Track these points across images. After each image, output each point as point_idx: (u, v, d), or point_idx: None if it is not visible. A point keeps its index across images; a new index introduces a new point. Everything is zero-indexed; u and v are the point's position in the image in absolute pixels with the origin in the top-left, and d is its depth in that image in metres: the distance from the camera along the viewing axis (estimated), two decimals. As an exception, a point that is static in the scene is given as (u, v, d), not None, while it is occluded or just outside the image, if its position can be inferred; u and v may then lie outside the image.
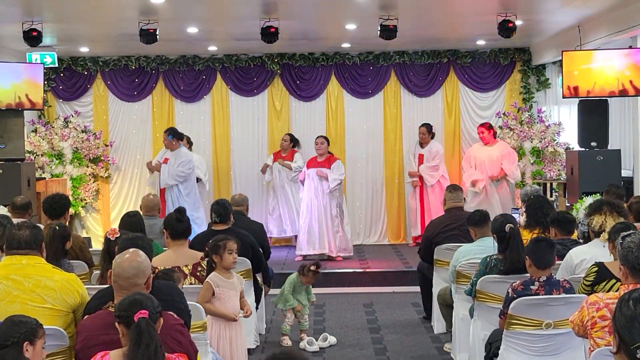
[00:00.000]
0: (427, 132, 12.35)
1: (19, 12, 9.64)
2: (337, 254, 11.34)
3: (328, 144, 11.53)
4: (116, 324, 3.58)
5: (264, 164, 12.44)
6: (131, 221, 6.73)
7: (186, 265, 5.68)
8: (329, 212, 11.30)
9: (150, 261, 4.42)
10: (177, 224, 5.89)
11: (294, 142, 12.46)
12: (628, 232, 4.21)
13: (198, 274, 5.69)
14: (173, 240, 5.89)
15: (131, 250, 4.19)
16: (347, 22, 10.66)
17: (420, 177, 12.35)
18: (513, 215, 8.04)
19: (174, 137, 11.07)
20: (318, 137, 11.66)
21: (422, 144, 12.39)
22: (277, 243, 12.73)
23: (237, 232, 7.10)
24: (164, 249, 6.38)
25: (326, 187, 11.22)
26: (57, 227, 5.83)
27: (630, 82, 9.76)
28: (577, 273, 5.58)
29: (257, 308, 7.43)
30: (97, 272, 6.24)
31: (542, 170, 12.35)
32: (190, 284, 5.61)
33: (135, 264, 4.06)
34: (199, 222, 10.73)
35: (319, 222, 11.20)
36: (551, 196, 11.81)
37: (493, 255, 6.01)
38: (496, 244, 6.09)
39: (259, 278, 7.53)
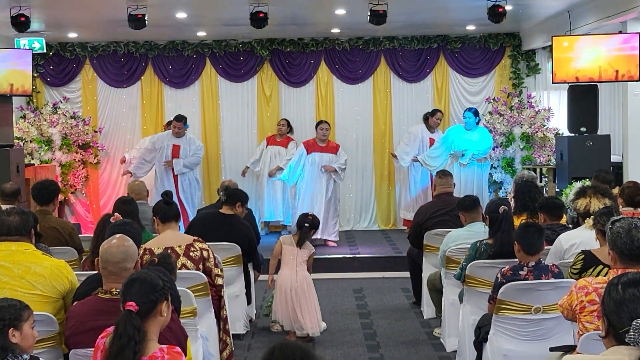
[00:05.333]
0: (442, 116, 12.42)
1: (6, -3, 9.58)
2: (334, 239, 11.39)
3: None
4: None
5: (245, 168, 12.54)
6: (126, 208, 6.68)
7: (179, 246, 5.72)
8: (331, 197, 11.33)
9: (139, 247, 4.42)
10: (167, 208, 5.95)
11: (290, 128, 12.51)
12: (618, 217, 4.21)
13: (191, 254, 5.73)
14: (164, 223, 5.94)
15: (117, 236, 4.19)
16: (337, 7, 10.63)
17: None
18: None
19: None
20: (324, 122, 11.57)
21: (431, 129, 12.35)
22: (272, 229, 12.73)
23: (239, 222, 7.16)
24: (154, 235, 6.38)
25: (337, 177, 11.31)
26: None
27: (620, 67, 9.78)
28: (567, 258, 5.60)
29: (246, 294, 7.44)
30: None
31: (531, 155, 12.38)
32: (183, 264, 5.62)
33: (122, 248, 4.06)
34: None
35: (319, 207, 11.20)
36: (541, 181, 11.84)
37: (483, 240, 6.03)
38: (487, 228, 6.12)
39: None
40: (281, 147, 12.26)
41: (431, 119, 12.30)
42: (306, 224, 7.19)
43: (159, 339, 3.68)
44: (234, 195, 7.36)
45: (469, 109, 11.84)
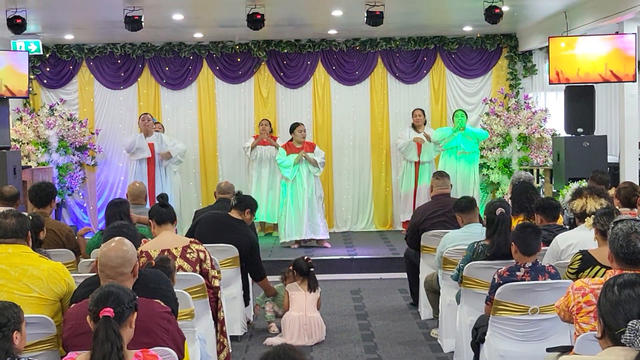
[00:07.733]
0: (423, 114, 12.41)
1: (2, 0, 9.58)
2: (324, 238, 11.38)
3: None
4: (87, 318, 3.45)
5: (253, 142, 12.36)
6: (117, 210, 6.70)
7: (176, 248, 5.72)
8: (318, 196, 11.34)
9: (137, 249, 4.40)
10: (162, 210, 5.95)
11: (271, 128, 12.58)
12: (621, 218, 4.21)
13: (188, 255, 5.73)
14: (160, 225, 5.93)
15: (116, 239, 4.16)
16: (333, 8, 10.64)
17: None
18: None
19: None
20: (301, 124, 11.51)
21: (416, 128, 12.37)
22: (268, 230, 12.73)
23: (246, 229, 7.21)
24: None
25: (315, 171, 11.26)
26: (31, 217, 5.80)
27: (616, 68, 9.80)
28: (563, 259, 5.60)
29: (244, 295, 7.44)
30: (84, 261, 6.24)
31: (528, 156, 12.38)
32: (180, 266, 5.63)
33: (121, 253, 4.05)
34: None
35: (310, 207, 11.19)
36: (537, 182, 11.85)
37: (480, 241, 6.02)
38: (483, 229, 6.12)
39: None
40: (270, 147, 12.27)
41: (412, 118, 12.40)
42: (311, 269, 7.34)
43: (155, 340, 3.69)
44: (244, 201, 7.32)
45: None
